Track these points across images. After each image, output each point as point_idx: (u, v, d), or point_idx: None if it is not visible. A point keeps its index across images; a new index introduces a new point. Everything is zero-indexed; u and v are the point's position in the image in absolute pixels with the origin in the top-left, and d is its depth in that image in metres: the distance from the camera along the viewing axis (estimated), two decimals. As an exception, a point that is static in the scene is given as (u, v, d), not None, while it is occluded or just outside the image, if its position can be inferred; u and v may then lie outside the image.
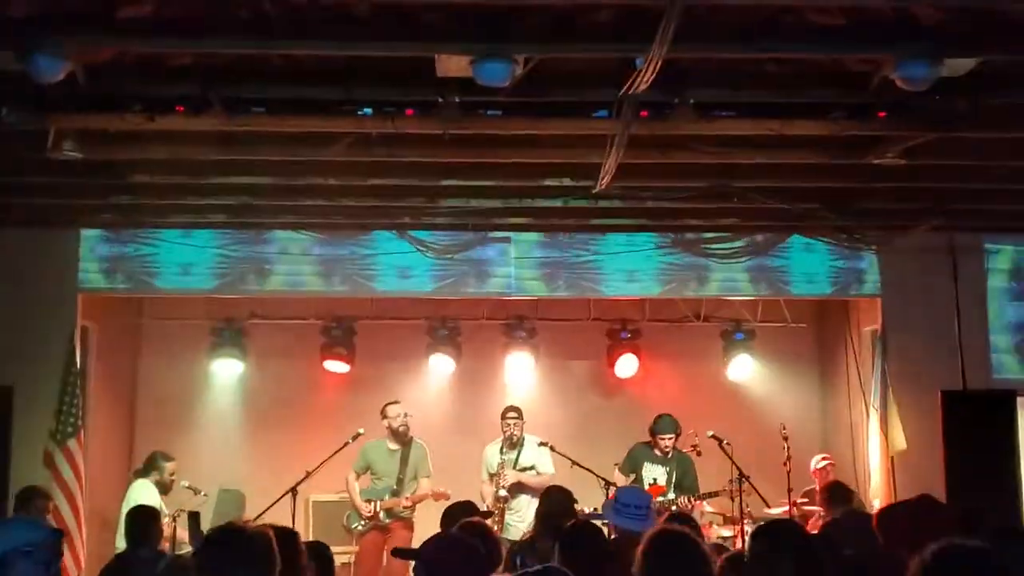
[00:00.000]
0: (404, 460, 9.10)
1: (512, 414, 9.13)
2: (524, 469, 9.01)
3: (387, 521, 8.96)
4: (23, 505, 7.16)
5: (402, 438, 9.14)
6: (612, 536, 6.07)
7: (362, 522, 9.01)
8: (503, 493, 8.82)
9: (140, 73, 5.94)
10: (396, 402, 9.28)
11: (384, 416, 9.17)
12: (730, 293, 9.56)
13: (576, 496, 8.56)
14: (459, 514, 5.68)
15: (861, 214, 8.60)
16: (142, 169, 7.49)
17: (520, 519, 8.80)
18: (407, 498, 8.95)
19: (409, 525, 8.95)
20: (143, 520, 6.51)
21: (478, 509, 6.13)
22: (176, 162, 7.30)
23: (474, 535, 4.36)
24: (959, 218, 8.60)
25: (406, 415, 9.16)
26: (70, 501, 8.32)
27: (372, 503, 9.00)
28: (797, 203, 8.19)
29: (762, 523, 4.91)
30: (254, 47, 5.50)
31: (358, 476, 9.19)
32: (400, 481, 9.04)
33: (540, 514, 6.58)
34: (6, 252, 8.75)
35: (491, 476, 9.10)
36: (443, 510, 5.83)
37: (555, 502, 6.52)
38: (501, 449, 9.10)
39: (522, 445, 9.09)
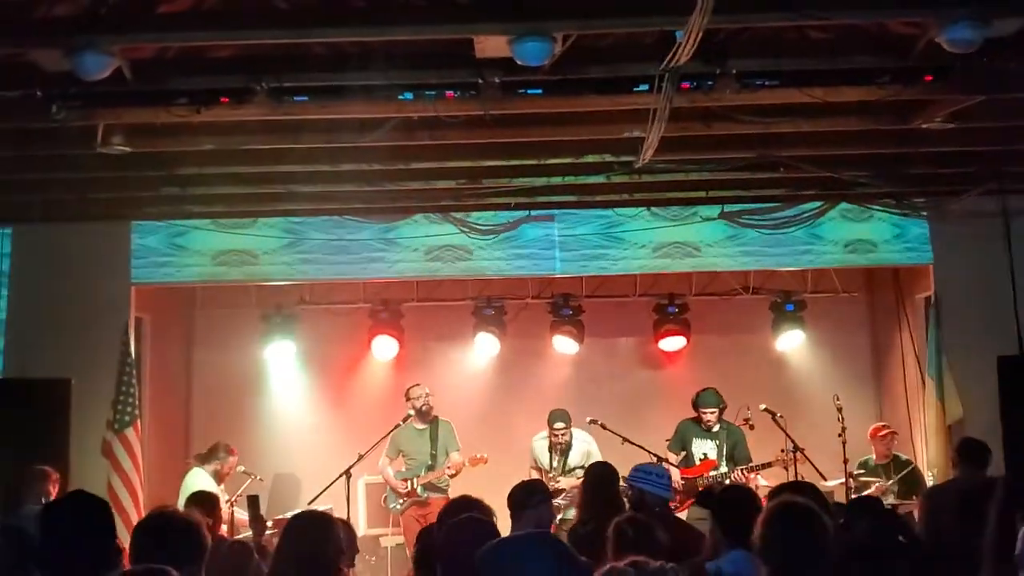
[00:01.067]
0: (433, 438, 9.26)
1: (559, 425, 9.00)
2: (573, 470, 9.01)
3: (425, 495, 9.10)
4: (26, 486, 7.32)
5: (426, 417, 9.28)
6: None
7: (400, 501, 9.18)
8: (557, 502, 8.80)
9: (184, 66, 6.04)
10: (418, 384, 9.41)
11: (408, 398, 9.31)
12: (779, 264, 9.48)
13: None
14: (526, 492, 5.62)
15: (910, 180, 8.48)
16: (190, 160, 7.61)
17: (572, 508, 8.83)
18: (449, 466, 9.07)
19: (447, 498, 9.02)
20: (205, 506, 6.60)
21: (545, 486, 6.07)
22: (223, 152, 7.39)
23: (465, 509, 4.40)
24: (1011, 180, 8.43)
25: (427, 395, 9.30)
26: (129, 489, 8.50)
27: (408, 481, 9.16)
28: (845, 171, 8.09)
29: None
30: (293, 36, 5.55)
31: (391, 460, 9.36)
32: (433, 457, 9.21)
33: (586, 486, 6.52)
34: (60, 247, 8.93)
35: (538, 469, 9.11)
36: (511, 489, 5.76)
37: (597, 476, 6.45)
38: (550, 449, 9.10)
39: (570, 447, 9.09)
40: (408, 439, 9.31)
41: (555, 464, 9.05)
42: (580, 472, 8.84)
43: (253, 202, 8.74)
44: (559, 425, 9.00)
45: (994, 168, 8.18)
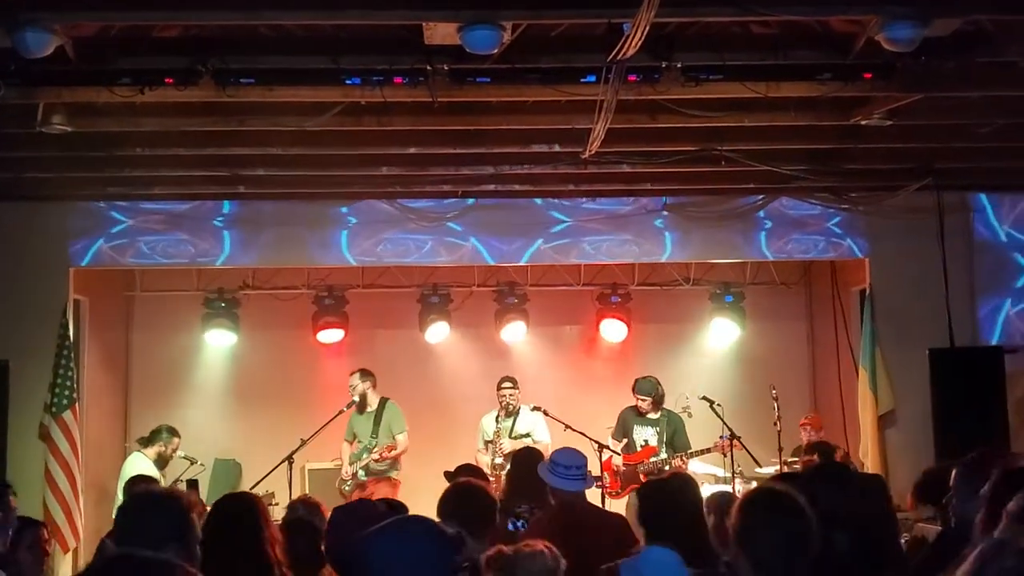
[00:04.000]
0: (376, 421, 9.34)
1: (507, 384, 9.27)
2: (520, 437, 9.09)
3: (365, 478, 9.16)
4: None
5: (362, 407, 9.35)
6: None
7: (348, 484, 9.25)
8: (499, 460, 8.92)
9: (128, 46, 5.96)
10: (355, 372, 9.41)
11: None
12: (719, 256, 9.63)
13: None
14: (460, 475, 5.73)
15: (848, 175, 8.66)
16: (132, 141, 7.51)
17: None
18: (376, 451, 9.14)
19: (390, 481, 9.15)
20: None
21: (481, 471, 6.15)
22: (166, 134, 7.31)
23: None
24: (946, 177, 8.65)
25: (359, 385, 9.31)
26: (67, 473, 8.38)
27: (353, 465, 9.25)
28: (785, 165, 8.23)
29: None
30: (240, 18, 5.51)
31: (349, 444, 9.44)
32: (374, 439, 9.27)
33: (511, 477, 6.59)
34: (-3, 227, 8.76)
35: (487, 444, 9.21)
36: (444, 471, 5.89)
37: (524, 464, 6.46)
38: (497, 418, 9.21)
39: (517, 413, 9.21)
40: (358, 422, 9.42)
41: (501, 426, 9.12)
42: (528, 441, 8.91)
43: (196, 184, 8.64)
44: (507, 385, 9.22)
45: (930, 165, 8.39)
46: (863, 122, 7.02)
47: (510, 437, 9.09)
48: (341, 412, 9.06)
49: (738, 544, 3.12)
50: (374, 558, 2.66)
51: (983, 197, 9.22)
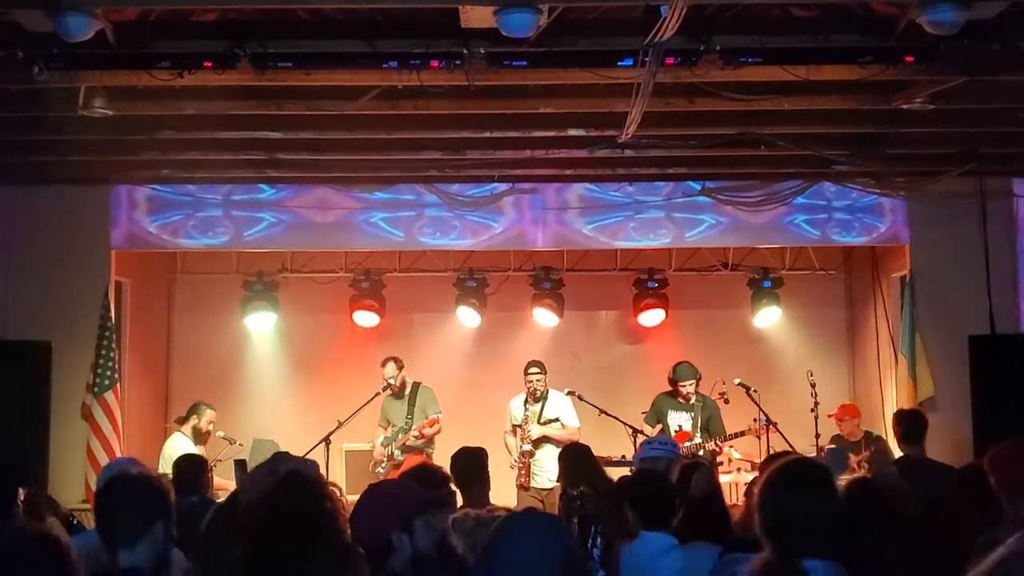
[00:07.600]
0: (411, 403, 9.41)
1: (534, 369, 9.18)
2: (548, 422, 9.07)
3: (401, 458, 9.23)
4: None
5: (399, 394, 9.40)
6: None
7: (383, 465, 9.31)
8: (527, 447, 8.92)
9: (167, 30, 6.02)
10: (390, 361, 9.40)
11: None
12: (758, 241, 9.56)
13: (605, 444, 8.71)
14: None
15: (890, 159, 8.55)
16: (172, 125, 7.58)
17: (545, 473, 8.88)
18: (415, 428, 9.21)
19: (424, 455, 9.13)
20: (192, 469, 6.58)
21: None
22: (205, 117, 7.37)
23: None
24: (989, 162, 8.52)
25: (395, 375, 9.34)
26: (108, 452, 8.52)
27: (388, 447, 9.32)
28: (825, 149, 8.15)
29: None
30: (277, 1, 5.56)
31: (383, 430, 9.49)
32: (408, 421, 9.33)
33: (565, 468, 6.54)
34: (40, 210, 8.90)
35: (514, 427, 9.22)
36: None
37: (573, 457, 6.49)
38: (525, 402, 9.20)
39: (546, 398, 9.18)
40: (392, 408, 9.47)
41: (529, 412, 9.13)
42: (556, 426, 8.94)
43: (235, 168, 8.72)
44: (533, 371, 9.13)
45: (973, 149, 8.26)
46: (905, 106, 6.92)
47: (538, 422, 9.08)
48: (377, 395, 9.14)
49: (757, 517, 2.91)
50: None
51: (1027, 182, 9.09)
